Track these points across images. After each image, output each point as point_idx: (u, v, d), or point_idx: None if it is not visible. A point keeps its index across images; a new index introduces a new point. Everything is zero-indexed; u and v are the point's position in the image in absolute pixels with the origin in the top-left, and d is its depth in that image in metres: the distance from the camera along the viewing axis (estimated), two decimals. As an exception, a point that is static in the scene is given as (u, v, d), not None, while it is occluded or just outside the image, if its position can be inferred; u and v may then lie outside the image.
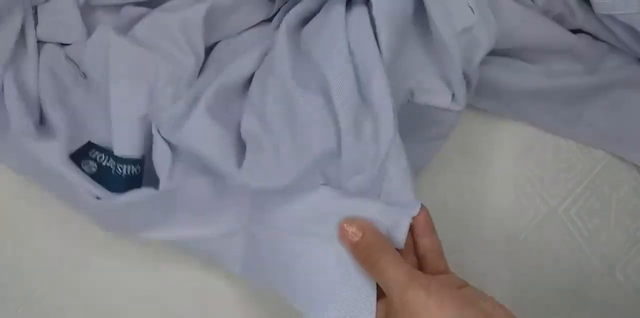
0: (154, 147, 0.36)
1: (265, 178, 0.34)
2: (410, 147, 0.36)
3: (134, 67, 0.35)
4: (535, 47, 0.40)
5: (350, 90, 0.32)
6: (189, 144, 0.35)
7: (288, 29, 0.35)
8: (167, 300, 0.41)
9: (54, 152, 0.35)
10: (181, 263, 0.41)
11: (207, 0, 0.37)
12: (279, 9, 0.39)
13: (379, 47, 0.32)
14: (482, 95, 0.41)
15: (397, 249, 0.33)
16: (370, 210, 0.33)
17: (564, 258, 0.43)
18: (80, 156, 0.36)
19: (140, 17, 0.37)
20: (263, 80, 0.36)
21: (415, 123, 0.37)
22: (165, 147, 0.35)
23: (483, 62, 0.36)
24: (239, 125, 0.36)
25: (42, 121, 0.38)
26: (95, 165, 0.36)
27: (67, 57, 0.39)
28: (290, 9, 0.37)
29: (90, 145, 0.36)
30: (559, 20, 0.40)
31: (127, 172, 0.35)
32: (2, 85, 0.37)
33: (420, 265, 0.34)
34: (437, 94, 0.36)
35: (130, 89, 0.35)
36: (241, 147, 0.36)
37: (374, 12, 0.32)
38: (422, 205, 0.34)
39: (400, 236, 0.33)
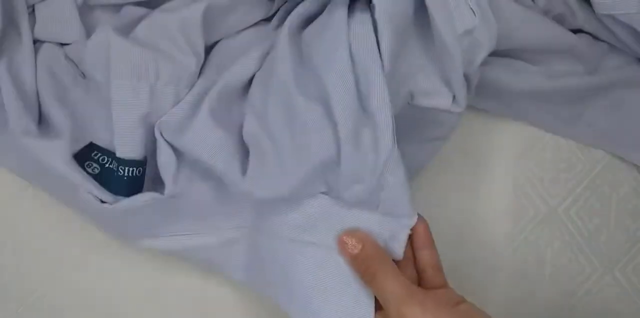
0: (157, 151, 0.35)
1: (268, 187, 0.34)
2: (411, 148, 0.36)
3: (135, 67, 0.35)
4: (535, 47, 0.40)
5: (350, 99, 0.32)
6: (192, 149, 0.35)
7: (290, 30, 0.35)
8: (167, 299, 0.41)
9: (57, 152, 0.35)
10: (181, 262, 0.41)
11: (204, -1, 0.37)
12: (279, 9, 0.39)
13: (380, 55, 0.32)
14: (482, 95, 0.41)
15: (396, 261, 0.33)
16: (369, 220, 0.33)
17: (563, 258, 0.43)
18: (82, 157, 0.36)
19: (140, 18, 0.37)
20: (264, 81, 0.36)
21: (416, 124, 0.37)
22: (170, 151, 0.35)
23: (483, 63, 0.36)
24: (240, 128, 0.36)
25: (40, 121, 0.38)
26: (98, 167, 0.36)
27: (67, 57, 0.39)
28: (290, 8, 0.37)
29: (92, 146, 0.36)
30: (559, 20, 0.40)
31: (129, 173, 0.35)
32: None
33: (419, 279, 0.34)
34: (437, 96, 0.36)
35: (132, 89, 0.35)
36: (244, 152, 0.36)
37: (376, 15, 0.32)
38: (422, 218, 0.34)
39: (399, 247, 0.33)
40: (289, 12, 0.37)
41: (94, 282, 0.41)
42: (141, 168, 0.36)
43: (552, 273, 0.43)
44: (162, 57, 0.36)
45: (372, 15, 0.33)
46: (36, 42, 0.39)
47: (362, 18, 0.33)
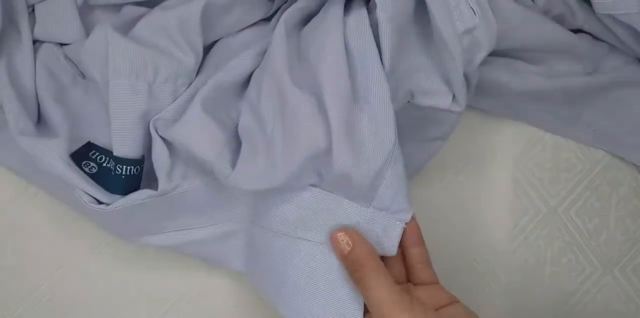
0: (152, 147, 0.35)
1: (257, 179, 0.33)
2: (410, 148, 0.36)
3: (133, 65, 0.35)
4: (535, 47, 0.40)
5: (343, 89, 0.32)
6: (182, 140, 0.34)
7: (287, 26, 0.35)
8: (167, 299, 0.41)
9: (54, 151, 0.35)
10: (181, 262, 0.41)
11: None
12: (278, 8, 0.39)
13: (379, 49, 0.32)
14: (482, 95, 0.41)
15: (384, 257, 0.33)
16: (361, 215, 0.33)
17: (563, 258, 0.43)
18: (80, 156, 0.36)
19: (139, 17, 0.37)
20: (260, 77, 0.35)
21: (415, 123, 0.37)
22: (164, 147, 0.35)
23: (483, 63, 0.36)
24: (236, 125, 0.36)
25: (39, 121, 0.38)
26: (96, 166, 0.36)
27: (66, 57, 0.39)
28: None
29: (90, 146, 0.36)
30: (559, 20, 0.40)
31: (126, 172, 0.35)
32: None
33: (408, 273, 0.34)
34: (437, 95, 0.36)
35: (130, 88, 0.35)
36: (236, 146, 0.35)
37: (377, 13, 0.32)
38: (412, 216, 0.34)
39: (392, 243, 0.33)
40: (288, 12, 0.37)
41: (94, 282, 0.41)
42: (139, 167, 0.36)
43: (552, 273, 0.43)
44: (161, 55, 0.36)
45: (371, 13, 0.33)
46: (35, 42, 0.39)
47: (358, 15, 0.33)
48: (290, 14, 0.35)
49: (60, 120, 0.37)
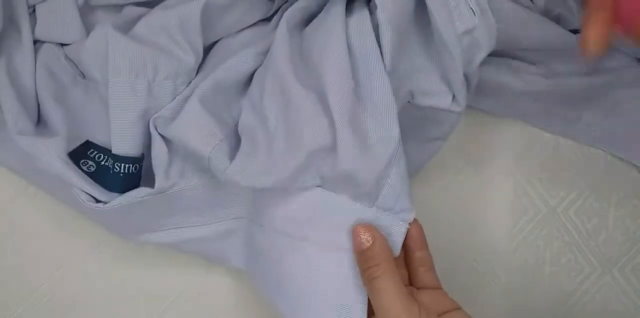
0: (152, 145, 0.35)
1: (258, 176, 0.33)
2: (410, 148, 0.36)
3: (133, 64, 0.35)
4: (535, 47, 0.40)
5: (346, 85, 0.32)
6: (180, 135, 0.34)
7: (288, 25, 0.35)
8: (167, 298, 0.41)
9: (51, 150, 0.35)
10: (181, 262, 0.41)
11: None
12: (279, 9, 0.39)
13: (380, 48, 0.32)
14: (481, 95, 0.41)
15: None
16: (364, 215, 0.33)
17: (563, 258, 0.43)
18: (78, 155, 0.36)
19: (140, 17, 0.37)
20: (263, 76, 0.36)
21: (416, 124, 0.37)
22: (163, 145, 0.35)
23: (482, 63, 0.36)
24: (236, 123, 0.36)
25: (39, 121, 0.38)
26: (94, 165, 0.36)
27: (67, 57, 0.39)
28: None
29: (88, 144, 0.36)
30: (559, 20, 0.40)
31: (125, 170, 0.35)
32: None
33: (411, 278, 0.34)
34: (437, 95, 0.36)
35: (129, 87, 0.35)
36: (235, 142, 0.35)
37: (378, 14, 0.32)
38: (416, 220, 0.34)
39: (396, 243, 0.33)
40: (289, 12, 0.37)
41: (94, 282, 0.41)
42: (137, 165, 0.36)
43: (551, 273, 0.43)
44: (161, 54, 0.36)
45: (372, 14, 0.33)
46: (36, 42, 0.39)
47: (360, 16, 0.33)
48: (291, 14, 0.35)
49: (60, 120, 0.37)
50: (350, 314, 0.32)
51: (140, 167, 0.36)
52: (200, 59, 0.37)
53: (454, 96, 0.36)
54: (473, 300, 0.42)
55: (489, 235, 0.43)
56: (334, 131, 0.32)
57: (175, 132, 0.34)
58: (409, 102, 0.36)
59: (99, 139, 0.37)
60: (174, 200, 0.36)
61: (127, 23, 0.37)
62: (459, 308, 0.32)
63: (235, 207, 0.37)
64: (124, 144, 0.35)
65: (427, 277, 0.34)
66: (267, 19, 0.40)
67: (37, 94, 0.38)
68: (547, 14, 0.40)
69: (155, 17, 0.37)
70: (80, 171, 0.35)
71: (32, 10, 0.39)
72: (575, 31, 0.41)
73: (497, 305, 0.43)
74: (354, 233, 0.32)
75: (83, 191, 0.35)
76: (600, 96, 0.42)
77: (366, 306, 0.32)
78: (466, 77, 0.36)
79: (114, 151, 0.35)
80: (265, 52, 0.37)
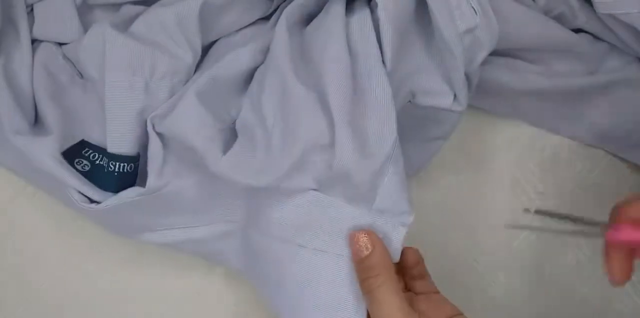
0: (149, 144, 0.35)
1: (255, 174, 0.33)
2: (411, 147, 0.36)
3: (130, 62, 0.35)
4: (535, 46, 0.40)
5: (346, 83, 0.32)
6: (175, 128, 0.34)
7: (288, 23, 0.35)
8: (168, 299, 0.41)
9: (45, 149, 0.35)
10: (181, 262, 0.41)
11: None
12: (277, 7, 0.39)
13: (380, 47, 0.32)
14: (482, 94, 0.41)
15: None
16: (362, 220, 0.32)
17: (563, 258, 0.43)
18: (72, 154, 0.36)
19: (138, 15, 0.37)
20: (263, 74, 0.35)
21: (416, 123, 0.37)
22: (158, 142, 0.35)
23: (484, 62, 0.36)
24: (233, 122, 0.36)
25: (36, 121, 0.38)
26: (89, 164, 0.36)
27: (65, 56, 0.39)
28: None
29: (83, 144, 0.36)
30: (560, 19, 0.40)
31: (119, 169, 0.35)
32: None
33: (406, 283, 0.34)
34: (438, 95, 0.36)
35: (126, 85, 0.35)
36: (231, 137, 0.35)
37: (379, 13, 0.32)
38: (413, 248, 0.33)
39: (395, 247, 0.32)
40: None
41: (94, 282, 0.41)
42: (132, 165, 0.36)
43: (552, 273, 0.43)
44: (159, 51, 0.35)
45: (373, 13, 0.33)
46: (34, 41, 0.39)
47: (361, 15, 0.33)
48: (290, 11, 0.35)
49: (55, 119, 0.37)
50: None
51: (136, 166, 0.36)
52: (198, 58, 0.37)
53: (455, 96, 0.36)
54: (473, 300, 0.42)
55: (489, 235, 0.43)
56: (333, 130, 0.32)
57: (171, 126, 0.34)
58: (410, 101, 0.36)
59: (95, 139, 0.36)
60: (169, 200, 0.36)
61: (125, 22, 0.37)
62: (460, 313, 0.32)
63: (232, 210, 0.37)
64: (119, 143, 0.35)
65: (423, 284, 0.34)
66: (266, 18, 0.40)
67: (34, 94, 0.38)
68: (548, 13, 0.40)
69: (153, 15, 0.36)
70: (74, 170, 0.35)
71: (30, 9, 0.39)
72: (576, 31, 0.40)
73: (497, 306, 0.43)
74: (352, 239, 0.31)
75: (77, 191, 0.35)
76: (600, 96, 0.42)
77: (365, 312, 0.31)
78: (467, 77, 0.36)
79: (109, 150, 0.35)
80: (264, 50, 0.36)
